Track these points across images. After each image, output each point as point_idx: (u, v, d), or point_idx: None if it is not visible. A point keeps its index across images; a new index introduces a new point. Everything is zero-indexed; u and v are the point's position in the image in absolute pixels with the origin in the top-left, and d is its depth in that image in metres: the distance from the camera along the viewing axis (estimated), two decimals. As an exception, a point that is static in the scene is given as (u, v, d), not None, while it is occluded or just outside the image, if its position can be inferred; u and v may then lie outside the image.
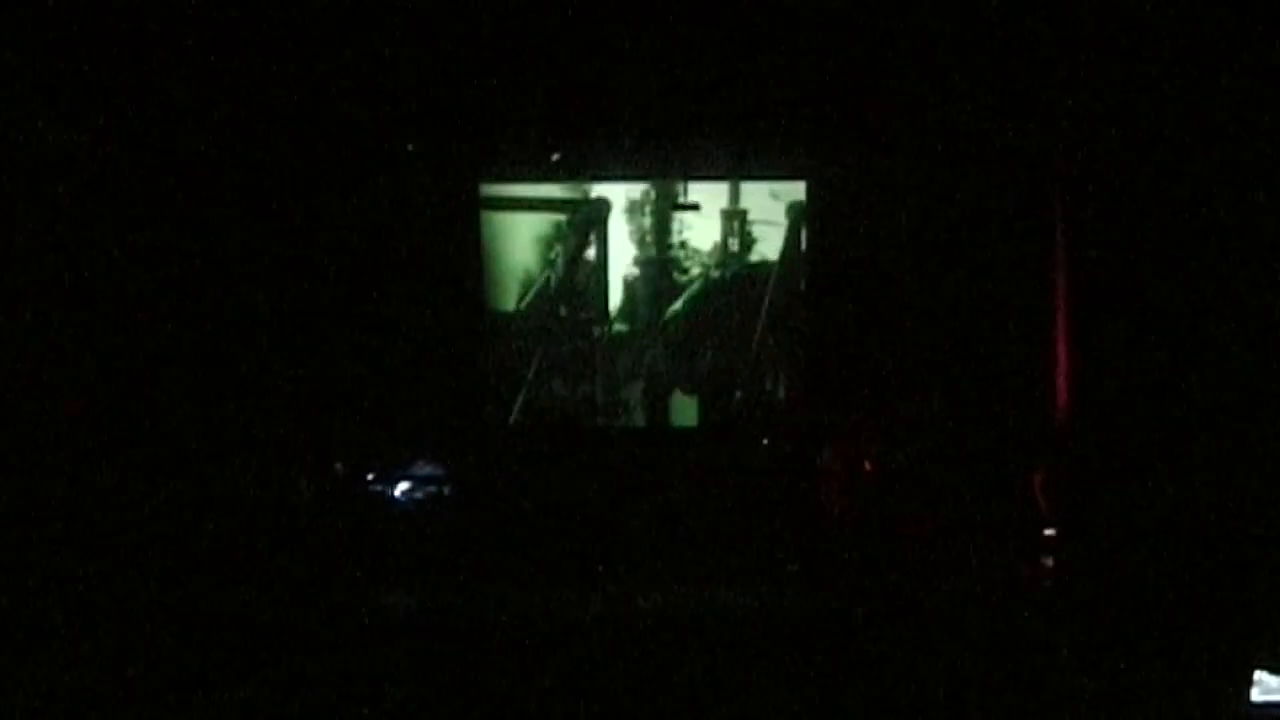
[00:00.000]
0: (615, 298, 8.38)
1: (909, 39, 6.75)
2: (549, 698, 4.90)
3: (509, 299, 8.37)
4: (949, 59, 6.81)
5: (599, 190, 8.35)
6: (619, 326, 8.39)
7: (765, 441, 7.68)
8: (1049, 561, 6.69)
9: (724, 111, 7.53)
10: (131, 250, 6.40)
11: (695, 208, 8.22)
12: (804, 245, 8.25)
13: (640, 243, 8.38)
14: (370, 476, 7.20)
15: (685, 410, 8.38)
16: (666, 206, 8.30)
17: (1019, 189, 7.27)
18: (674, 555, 6.88)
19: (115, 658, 5.14)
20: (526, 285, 8.38)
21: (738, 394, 8.31)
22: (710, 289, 8.35)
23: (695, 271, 8.37)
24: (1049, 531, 6.78)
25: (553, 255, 8.38)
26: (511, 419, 8.27)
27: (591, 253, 8.39)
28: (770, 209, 8.34)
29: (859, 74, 7.08)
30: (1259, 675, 4.48)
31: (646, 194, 8.35)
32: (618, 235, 8.38)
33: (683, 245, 8.35)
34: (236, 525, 6.53)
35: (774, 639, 5.54)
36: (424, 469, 7.22)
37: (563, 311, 8.37)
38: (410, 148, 7.80)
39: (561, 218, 8.39)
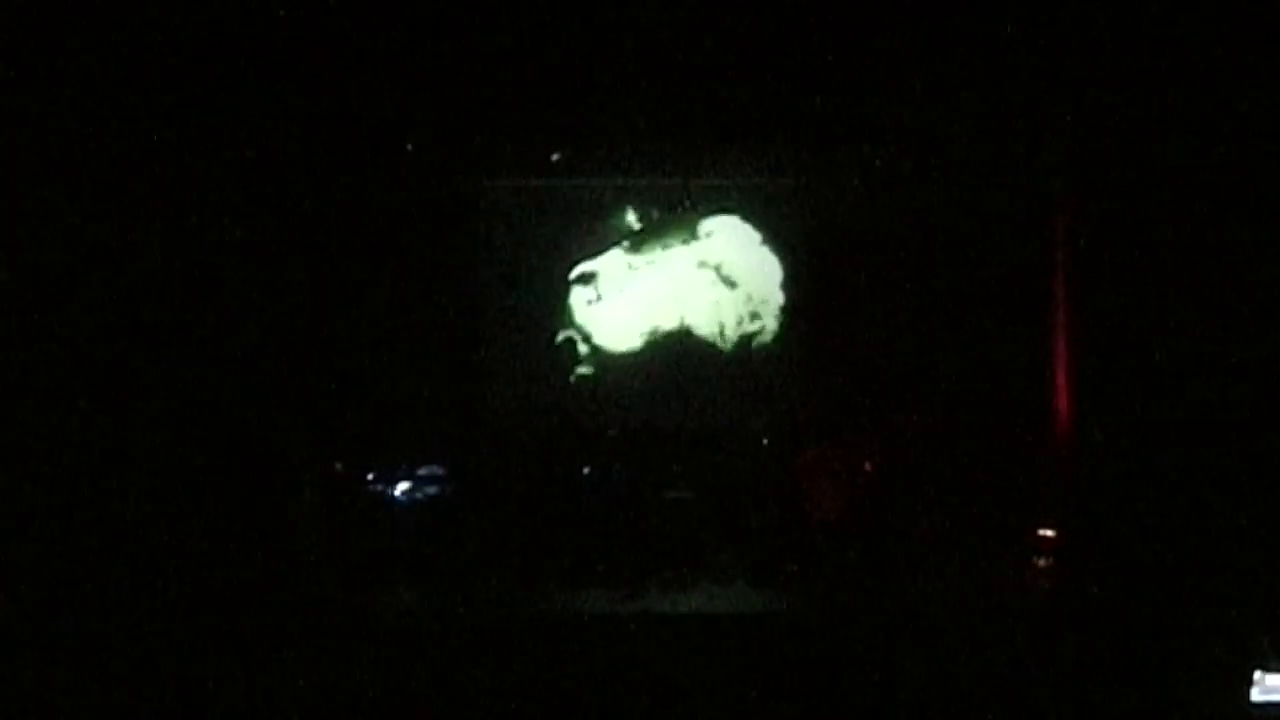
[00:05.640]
0: (615, 297, 8.38)
1: (909, 38, 6.75)
2: (550, 697, 4.90)
3: (509, 298, 8.37)
4: (949, 58, 6.82)
5: (598, 189, 8.36)
6: (618, 327, 8.39)
7: (765, 441, 7.68)
8: (1049, 562, 6.70)
9: (723, 111, 7.54)
10: (133, 250, 6.40)
11: (695, 209, 8.22)
12: (805, 245, 8.26)
13: (640, 242, 8.39)
14: (370, 476, 7.20)
15: (685, 411, 8.38)
16: (666, 206, 8.31)
17: (1020, 188, 7.28)
18: (673, 555, 6.87)
19: (114, 657, 5.14)
20: (526, 285, 8.38)
21: (738, 394, 8.32)
22: (710, 290, 8.36)
23: (695, 272, 8.38)
24: (1048, 533, 6.79)
25: (552, 253, 8.38)
26: (511, 419, 8.27)
27: (591, 252, 8.40)
28: (771, 205, 8.36)
29: (859, 74, 7.09)
30: (1259, 675, 4.49)
31: (646, 193, 8.36)
32: (617, 234, 8.39)
33: (683, 244, 8.36)
34: (237, 525, 6.53)
35: (773, 640, 5.54)
36: (424, 469, 7.22)
37: (562, 309, 8.38)
38: (410, 148, 7.80)
39: (561, 217, 8.40)
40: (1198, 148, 5.98)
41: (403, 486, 7.14)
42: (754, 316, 8.33)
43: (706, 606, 6.17)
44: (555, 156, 8.04)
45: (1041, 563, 6.70)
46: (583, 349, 8.38)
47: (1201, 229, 5.98)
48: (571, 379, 8.36)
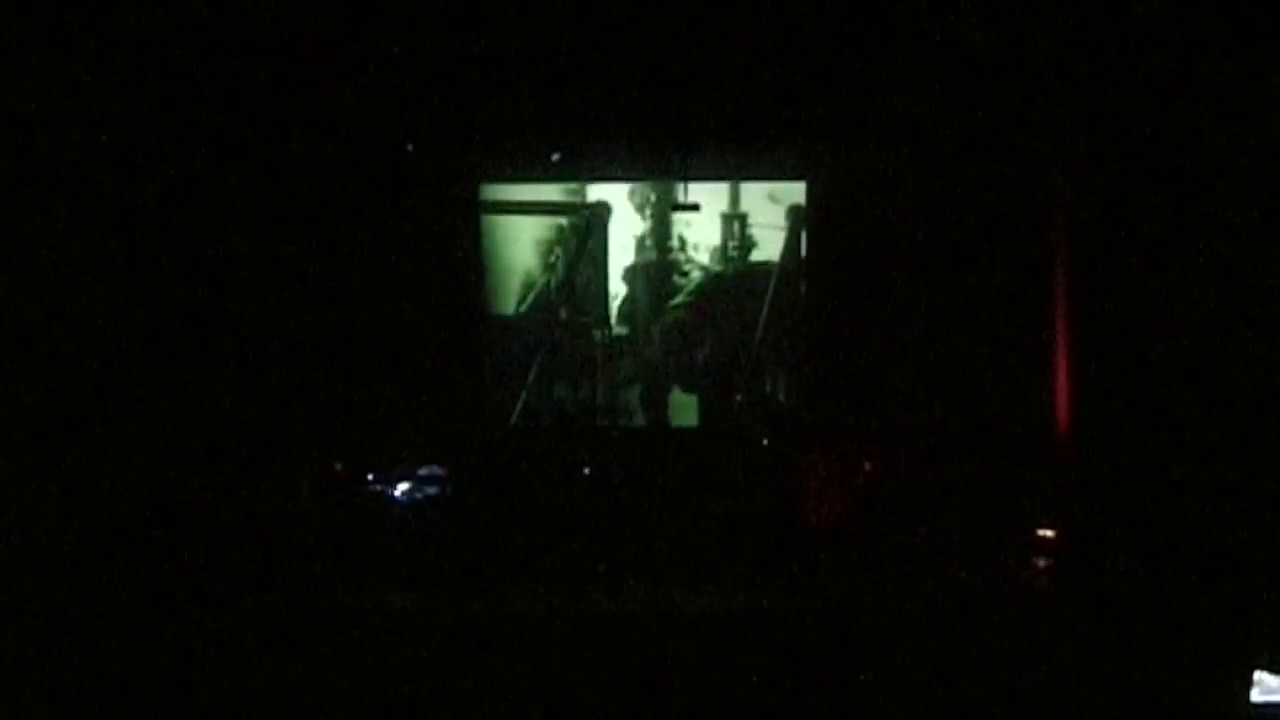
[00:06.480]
0: (615, 300, 8.38)
1: (909, 38, 6.75)
2: (549, 697, 4.90)
3: (509, 300, 8.38)
4: (950, 58, 6.82)
5: (598, 192, 8.35)
6: (619, 329, 8.39)
7: (765, 441, 7.69)
8: (1049, 562, 6.70)
9: (723, 112, 7.54)
10: (134, 251, 6.41)
11: (695, 208, 8.21)
12: (804, 246, 8.26)
13: (640, 245, 8.38)
14: (370, 476, 7.20)
15: (685, 411, 8.39)
16: (667, 207, 8.30)
17: (1020, 189, 7.28)
18: (673, 556, 6.88)
19: (113, 657, 5.14)
20: (527, 287, 8.39)
21: (738, 395, 8.32)
22: (710, 291, 8.36)
23: (695, 273, 8.38)
24: (1047, 533, 6.79)
25: (553, 257, 8.38)
26: (511, 419, 8.28)
27: (591, 255, 8.39)
28: (770, 210, 8.35)
29: (859, 74, 7.09)
30: (1259, 675, 4.48)
31: (646, 195, 8.36)
32: (617, 237, 8.39)
33: (683, 246, 8.36)
34: (237, 525, 6.53)
35: (772, 640, 5.54)
36: (424, 469, 7.22)
37: (563, 313, 8.38)
38: (410, 148, 7.80)
39: (562, 219, 8.40)
40: (1198, 147, 5.98)
41: (403, 486, 7.15)
42: (754, 317, 8.32)
43: (706, 606, 6.17)
44: (555, 157, 8.04)
45: (1041, 563, 6.70)
46: (583, 349, 8.37)
47: (1201, 229, 5.98)
48: (572, 379, 8.35)
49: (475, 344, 8.27)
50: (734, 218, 8.34)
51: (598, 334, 8.36)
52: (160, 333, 6.56)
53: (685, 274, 8.39)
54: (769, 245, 8.31)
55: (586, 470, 7.29)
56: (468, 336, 8.22)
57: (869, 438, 7.37)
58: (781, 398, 8.29)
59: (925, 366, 7.70)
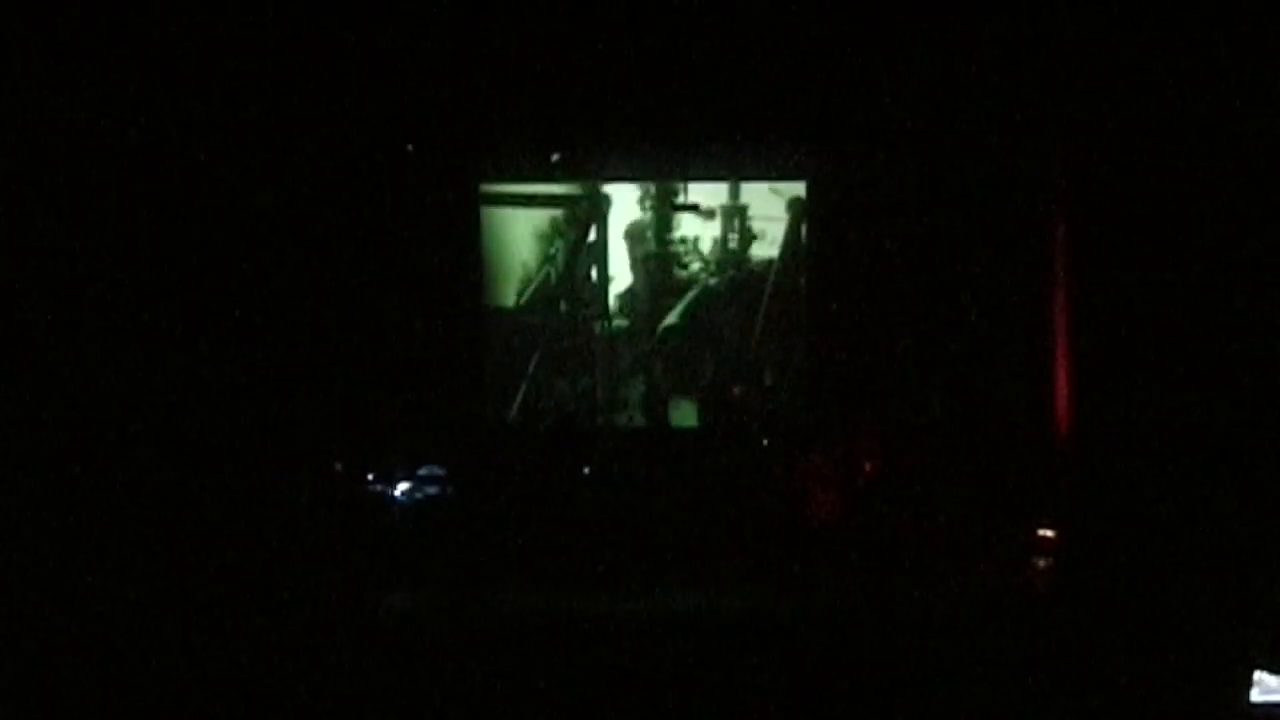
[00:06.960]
0: (615, 295, 8.38)
1: (909, 38, 6.75)
2: (549, 698, 4.90)
3: (509, 298, 8.38)
4: (950, 58, 6.82)
5: (598, 189, 8.35)
6: (619, 324, 8.39)
7: (765, 441, 7.68)
8: (1048, 562, 6.70)
9: (724, 112, 7.53)
10: (131, 249, 6.40)
11: (695, 208, 8.22)
12: (804, 244, 8.26)
13: (640, 239, 8.38)
14: (370, 476, 7.20)
15: (685, 410, 8.39)
16: (666, 204, 8.31)
17: (1020, 188, 7.28)
18: (673, 556, 6.88)
19: (112, 657, 5.14)
20: (526, 284, 8.39)
21: (737, 394, 8.32)
22: (710, 288, 8.36)
23: (695, 268, 8.38)
24: (1047, 533, 6.79)
25: (552, 253, 8.38)
26: (511, 418, 8.28)
27: (591, 251, 8.40)
28: (771, 209, 8.35)
29: (859, 74, 7.09)
30: (1259, 675, 4.48)
31: (646, 192, 8.36)
32: (617, 233, 8.39)
33: (683, 241, 8.36)
34: (236, 525, 6.52)
35: (772, 640, 5.54)
36: (424, 469, 7.22)
37: (563, 309, 8.38)
38: (410, 148, 7.80)
39: (561, 216, 8.40)
40: (1198, 147, 5.98)
41: (403, 486, 7.15)
42: (754, 317, 8.32)
43: (706, 606, 6.17)
44: (555, 157, 8.04)
45: (1041, 563, 6.70)
46: (582, 349, 8.37)
47: (1201, 229, 5.98)
48: (571, 378, 8.35)
49: (475, 342, 8.27)
50: (735, 216, 8.35)
51: (596, 332, 8.36)
52: (157, 331, 6.55)
53: (685, 269, 8.39)
54: (769, 243, 8.32)
55: (586, 470, 7.29)
56: (468, 335, 8.22)
57: (869, 438, 7.37)
58: (782, 397, 8.28)
59: (925, 366, 7.70)
